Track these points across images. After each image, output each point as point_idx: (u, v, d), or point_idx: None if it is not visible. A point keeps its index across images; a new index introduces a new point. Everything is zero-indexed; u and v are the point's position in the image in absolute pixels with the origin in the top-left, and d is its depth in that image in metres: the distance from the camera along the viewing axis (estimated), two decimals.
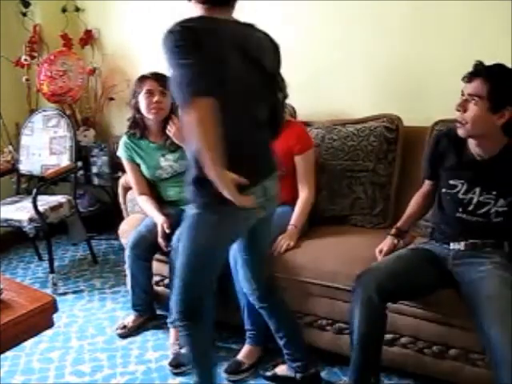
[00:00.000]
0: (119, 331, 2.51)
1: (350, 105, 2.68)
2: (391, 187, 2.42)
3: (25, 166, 3.25)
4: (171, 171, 2.45)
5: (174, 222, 2.23)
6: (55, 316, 1.52)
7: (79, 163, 3.29)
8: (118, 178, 2.92)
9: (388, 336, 1.97)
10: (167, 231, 2.28)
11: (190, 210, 1.63)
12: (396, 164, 2.42)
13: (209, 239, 1.64)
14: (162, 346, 2.40)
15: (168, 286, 2.41)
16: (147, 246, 2.37)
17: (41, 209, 2.88)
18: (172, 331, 2.35)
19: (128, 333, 2.49)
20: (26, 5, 3.39)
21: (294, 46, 2.77)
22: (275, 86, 1.74)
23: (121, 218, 2.78)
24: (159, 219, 2.33)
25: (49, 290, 2.89)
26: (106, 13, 3.42)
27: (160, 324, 2.55)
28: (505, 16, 2.23)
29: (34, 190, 2.88)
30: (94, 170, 3.39)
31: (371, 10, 2.54)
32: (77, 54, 3.42)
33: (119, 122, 3.36)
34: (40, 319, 1.47)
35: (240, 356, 2.21)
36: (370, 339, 1.82)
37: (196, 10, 1.57)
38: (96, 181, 3.43)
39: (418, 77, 2.51)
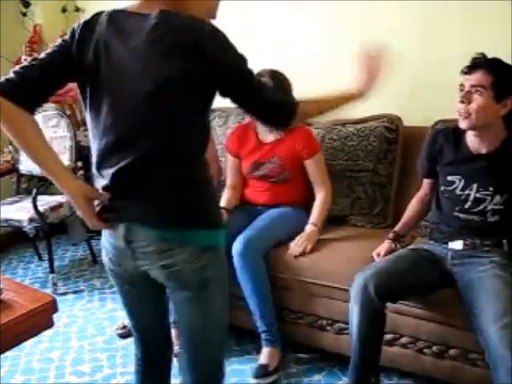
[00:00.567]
0: (119, 331, 2.51)
1: (350, 104, 2.67)
2: (391, 187, 2.42)
3: (25, 166, 3.25)
4: None
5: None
6: (55, 316, 1.52)
7: (79, 163, 3.29)
8: None
9: (388, 336, 1.97)
10: None
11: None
12: (396, 164, 2.41)
13: None
14: None
15: None
16: None
17: (41, 209, 2.88)
18: (172, 331, 2.34)
19: (128, 333, 2.49)
20: (26, 5, 3.40)
21: (294, 46, 2.78)
22: None
23: None
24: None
25: (49, 290, 2.89)
26: None
27: None
28: (505, 16, 2.23)
29: (34, 190, 2.88)
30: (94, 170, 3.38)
31: (371, 10, 2.54)
32: None
33: None
34: (40, 319, 1.47)
35: (262, 360, 2.17)
36: (369, 339, 1.82)
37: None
38: None
39: (418, 77, 2.50)
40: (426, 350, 1.95)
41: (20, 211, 2.95)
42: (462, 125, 1.83)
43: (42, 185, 2.99)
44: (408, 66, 2.53)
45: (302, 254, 2.17)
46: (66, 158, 3.11)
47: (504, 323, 1.56)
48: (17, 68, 1.25)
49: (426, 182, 2.09)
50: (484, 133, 1.84)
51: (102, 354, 2.38)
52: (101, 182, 1.28)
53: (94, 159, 1.30)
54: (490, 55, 1.83)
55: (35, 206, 2.83)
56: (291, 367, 2.23)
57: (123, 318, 2.58)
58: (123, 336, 2.49)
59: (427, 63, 2.47)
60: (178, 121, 1.21)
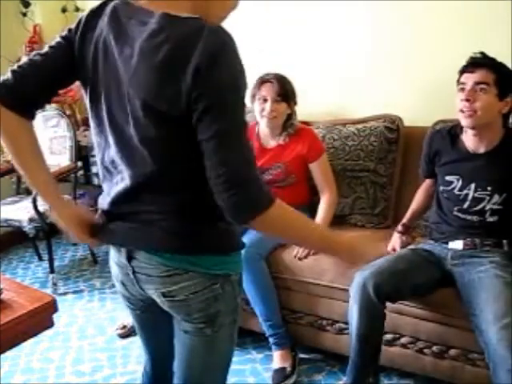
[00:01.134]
0: (119, 331, 2.51)
1: (351, 104, 2.68)
2: (392, 187, 2.42)
3: None
4: None
5: None
6: (55, 316, 1.52)
7: (79, 163, 3.29)
8: None
9: (388, 336, 1.97)
10: None
11: None
12: (397, 164, 2.41)
13: None
14: None
15: None
16: None
17: (41, 209, 2.88)
18: None
19: (128, 333, 2.49)
20: (26, 5, 3.39)
21: (293, 45, 2.77)
22: None
23: None
24: None
25: (49, 290, 2.88)
26: None
27: None
28: (505, 16, 2.23)
29: (34, 190, 2.88)
30: (94, 170, 3.38)
31: (371, 10, 2.54)
32: None
33: None
34: (40, 319, 1.46)
35: (277, 364, 2.14)
36: (369, 339, 1.82)
37: None
38: (96, 181, 3.42)
39: (418, 76, 2.50)
40: (425, 350, 1.95)
41: (20, 211, 2.95)
42: (466, 123, 1.83)
43: None
44: (408, 66, 2.54)
45: (307, 256, 2.15)
46: (66, 158, 3.11)
47: (504, 323, 1.56)
48: (15, 67, 1.12)
49: (428, 181, 2.10)
50: (483, 131, 1.84)
51: (102, 354, 2.38)
52: (105, 199, 1.18)
53: (99, 171, 1.19)
54: (491, 55, 1.84)
55: (35, 206, 2.83)
56: None
57: (123, 318, 2.59)
58: (123, 336, 2.48)
59: (428, 63, 2.46)
60: (178, 145, 1.03)
